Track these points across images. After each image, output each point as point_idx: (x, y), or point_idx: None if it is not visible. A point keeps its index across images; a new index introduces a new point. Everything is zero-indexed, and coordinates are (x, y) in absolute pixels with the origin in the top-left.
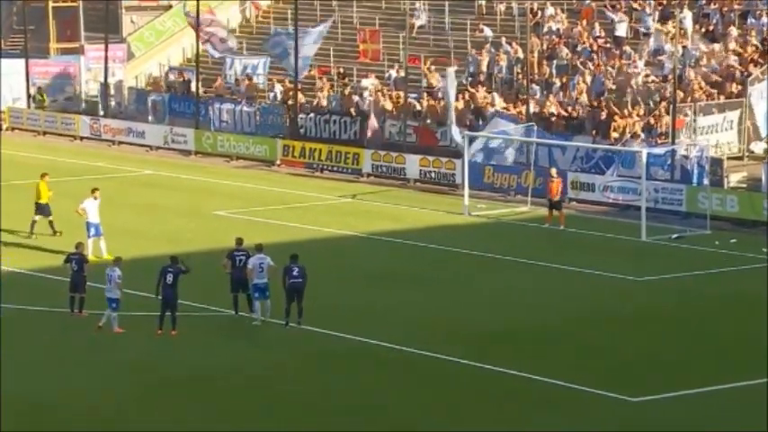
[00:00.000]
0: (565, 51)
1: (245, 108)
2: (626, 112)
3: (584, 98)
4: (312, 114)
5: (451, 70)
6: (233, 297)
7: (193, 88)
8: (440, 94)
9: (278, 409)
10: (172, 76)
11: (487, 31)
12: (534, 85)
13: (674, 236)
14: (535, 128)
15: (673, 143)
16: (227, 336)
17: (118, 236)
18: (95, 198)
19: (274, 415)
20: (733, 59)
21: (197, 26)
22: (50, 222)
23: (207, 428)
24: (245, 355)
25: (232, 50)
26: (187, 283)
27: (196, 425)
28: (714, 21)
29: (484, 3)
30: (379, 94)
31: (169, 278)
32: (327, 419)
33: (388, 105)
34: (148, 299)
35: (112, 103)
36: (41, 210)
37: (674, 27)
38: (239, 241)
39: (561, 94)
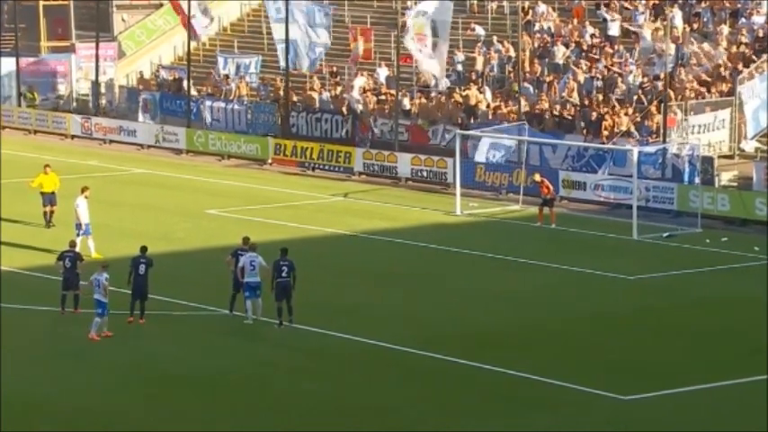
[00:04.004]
0: (556, 50)
1: (236, 106)
2: (617, 110)
3: (575, 97)
4: (304, 113)
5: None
6: (231, 295)
7: (185, 86)
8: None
9: (273, 408)
10: (164, 73)
11: (479, 30)
12: (526, 84)
13: (666, 234)
14: (527, 126)
15: (664, 142)
16: (222, 335)
17: (109, 235)
18: (86, 197)
19: (271, 414)
20: (724, 58)
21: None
22: (51, 212)
23: (205, 427)
24: (240, 353)
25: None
26: (181, 282)
27: (194, 424)
28: (705, 19)
29: (475, 1)
30: (369, 93)
31: (141, 269)
32: (324, 419)
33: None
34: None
35: (103, 102)
36: (48, 199)
37: (664, 26)
38: (245, 240)
39: (552, 92)
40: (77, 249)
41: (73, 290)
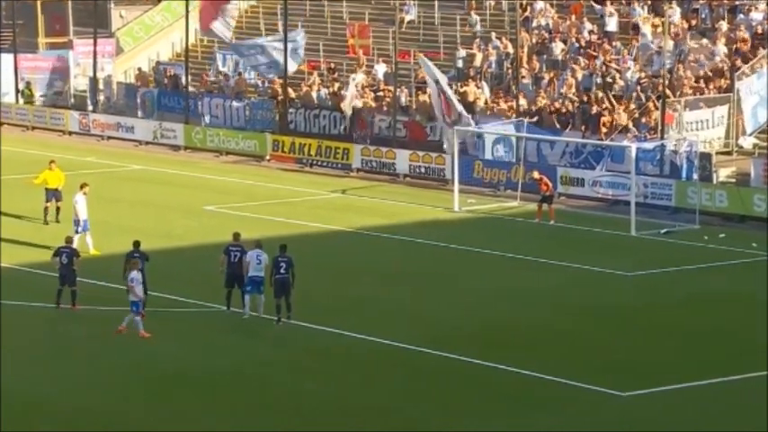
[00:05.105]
0: (554, 46)
1: (234, 103)
2: (615, 107)
3: (573, 93)
4: (302, 109)
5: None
6: (226, 292)
7: (183, 83)
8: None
9: (274, 407)
10: (161, 69)
11: (477, 24)
12: (524, 80)
13: (664, 231)
14: (525, 123)
15: (662, 138)
16: (222, 332)
17: (107, 231)
18: (84, 193)
19: (272, 414)
20: (722, 54)
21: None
22: (58, 208)
23: (205, 427)
24: (241, 352)
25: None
26: (179, 279)
27: (194, 423)
28: (703, 16)
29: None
30: (366, 90)
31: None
32: (326, 418)
33: (373, 102)
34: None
35: (101, 98)
36: (52, 195)
37: (662, 22)
38: (236, 236)
39: (551, 89)
40: (75, 246)
41: (69, 286)
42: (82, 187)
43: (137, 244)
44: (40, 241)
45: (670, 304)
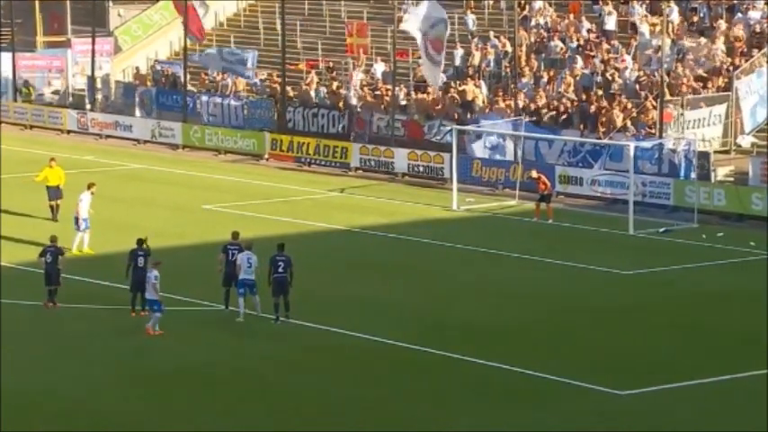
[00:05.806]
0: (553, 45)
1: (232, 102)
2: (613, 105)
3: (571, 92)
4: (300, 108)
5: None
6: (224, 291)
7: (181, 82)
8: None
9: (273, 406)
10: (159, 68)
11: (469, 22)
12: (523, 79)
13: (662, 229)
14: (524, 121)
15: (660, 137)
16: (221, 331)
17: (105, 229)
18: (92, 193)
19: (270, 412)
20: (720, 53)
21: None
22: (57, 206)
23: (204, 425)
24: (241, 351)
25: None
26: (177, 278)
27: (193, 422)
28: (701, 14)
29: None
30: (366, 88)
31: (140, 261)
32: (324, 417)
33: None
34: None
35: (100, 97)
36: (53, 193)
37: (660, 21)
38: (235, 235)
39: (549, 87)
40: (75, 244)
41: (53, 284)
42: (89, 186)
43: (140, 242)
44: (41, 240)
45: (668, 303)
